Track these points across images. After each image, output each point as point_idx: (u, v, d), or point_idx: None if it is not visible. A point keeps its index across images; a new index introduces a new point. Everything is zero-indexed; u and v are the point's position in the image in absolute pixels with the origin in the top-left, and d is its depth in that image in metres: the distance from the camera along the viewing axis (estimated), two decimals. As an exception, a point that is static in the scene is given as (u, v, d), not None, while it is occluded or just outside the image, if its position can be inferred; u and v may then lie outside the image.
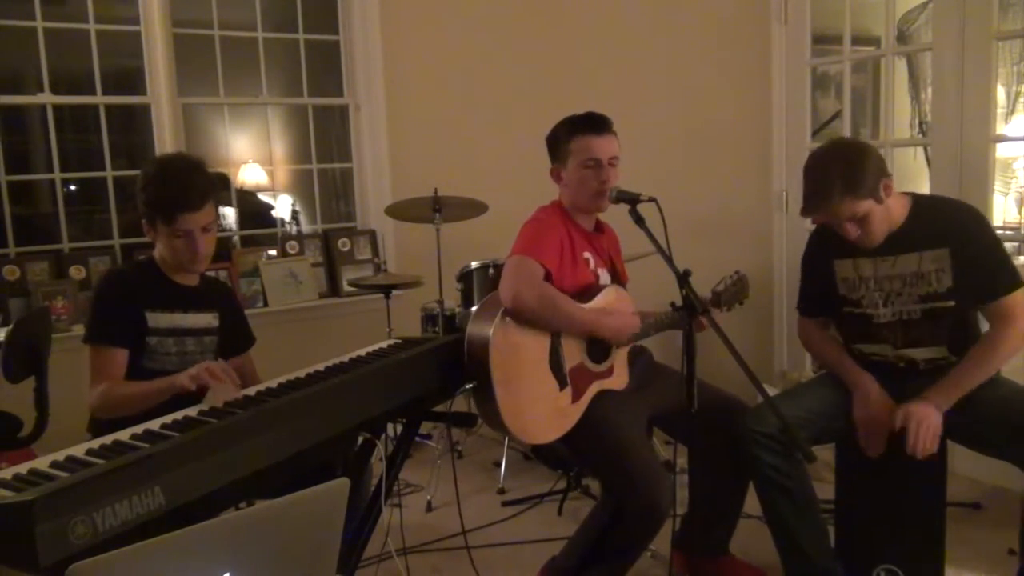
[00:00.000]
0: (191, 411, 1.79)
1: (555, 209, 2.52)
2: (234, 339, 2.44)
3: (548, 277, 2.33)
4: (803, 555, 2.35)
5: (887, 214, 2.25)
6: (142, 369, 2.19)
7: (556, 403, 2.30)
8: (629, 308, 2.51)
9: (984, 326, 2.33)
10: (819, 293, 2.50)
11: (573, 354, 2.35)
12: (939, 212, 2.31)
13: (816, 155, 2.28)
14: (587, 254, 2.49)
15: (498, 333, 2.20)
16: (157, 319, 2.21)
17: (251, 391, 1.92)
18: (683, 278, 2.12)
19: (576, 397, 2.34)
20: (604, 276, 2.53)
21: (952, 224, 2.27)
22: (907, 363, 2.36)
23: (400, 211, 3.65)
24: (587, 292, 2.42)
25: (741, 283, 2.67)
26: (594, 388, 2.39)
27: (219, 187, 2.25)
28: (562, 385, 2.31)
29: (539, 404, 2.28)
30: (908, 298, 2.32)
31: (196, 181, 2.15)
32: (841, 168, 2.17)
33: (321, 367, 2.09)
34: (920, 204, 2.32)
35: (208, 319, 2.33)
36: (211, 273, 3.85)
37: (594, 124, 2.46)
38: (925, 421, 2.18)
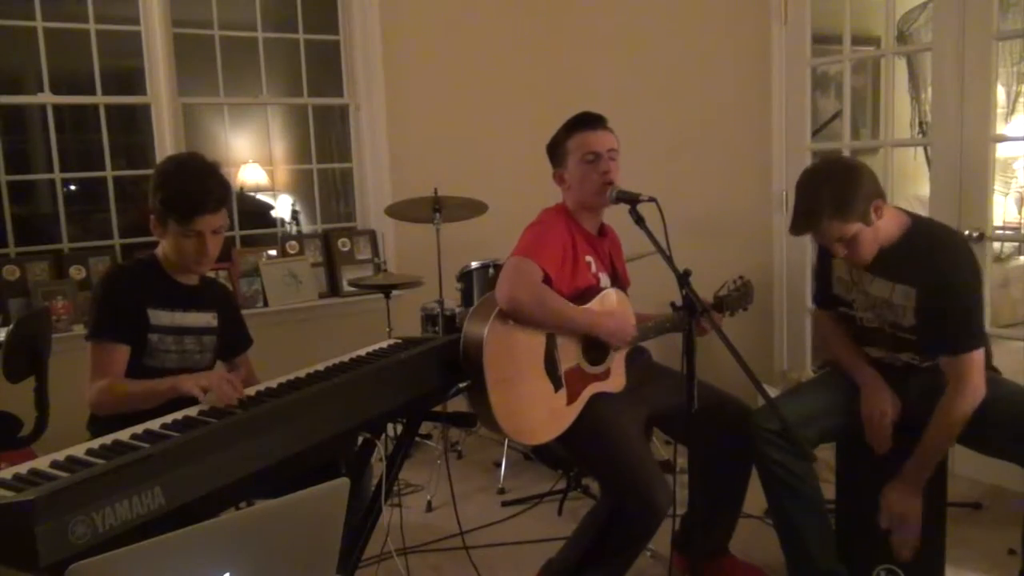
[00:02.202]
0: (191, 411, 1.79)
1: (559, 211, 2.52)
2: (232, 340, 2.45)
3: (547, 280, 2.33)
4: (808, 554, 2.36)
5: (876, 235, 2.21)
6: (142, 366, 2.19)
7: (551, 404, 2.30)
8: (629, 312, 2.51)
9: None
10: (827, 287, 2.51)
11: (569, 356, 2.35)
12: (925, 247, 2.23)
13: (808, 174, 2.28)
14: (589, 257, 2.49)
15: (492, 333, 2.21)
16: (159, 316, 2.22)
17: (251, 391, 1.92)
18: (683, 278, 2.12)
19: (571, 399, 2.34)
20: (604, 279, 2.53)
21: (931, 267, 2.20)
22: (904, 363, 2.37)
23: (400, 211, 3.65)
24: (586, 295, 2.42)
25: (746, 288, 2.66)
26: (590, 390, 2.38)
27: (231, 191, 2.26)
28: (557, 386, 2.31)
29: (534, 405, 2.28)
30: (877, 318, 2.33)
31: (214, 185, 2.17)
32: (831, 190, 2.16)
33: (321, 367, 2.09)
34: (914, 231, 2.25)
35: (207, 318, 2.33)
36: (211, 274, 3.87)
37: (588, 120, 2.48)
38: (907, 523, 2.24)
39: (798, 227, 2.25)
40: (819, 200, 2.16)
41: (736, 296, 2.63)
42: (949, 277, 2.20)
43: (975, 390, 2.18)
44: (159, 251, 2.27)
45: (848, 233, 2.17)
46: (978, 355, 2.18)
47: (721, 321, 2.49)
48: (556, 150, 2.52)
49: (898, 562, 2.33)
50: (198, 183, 2.15)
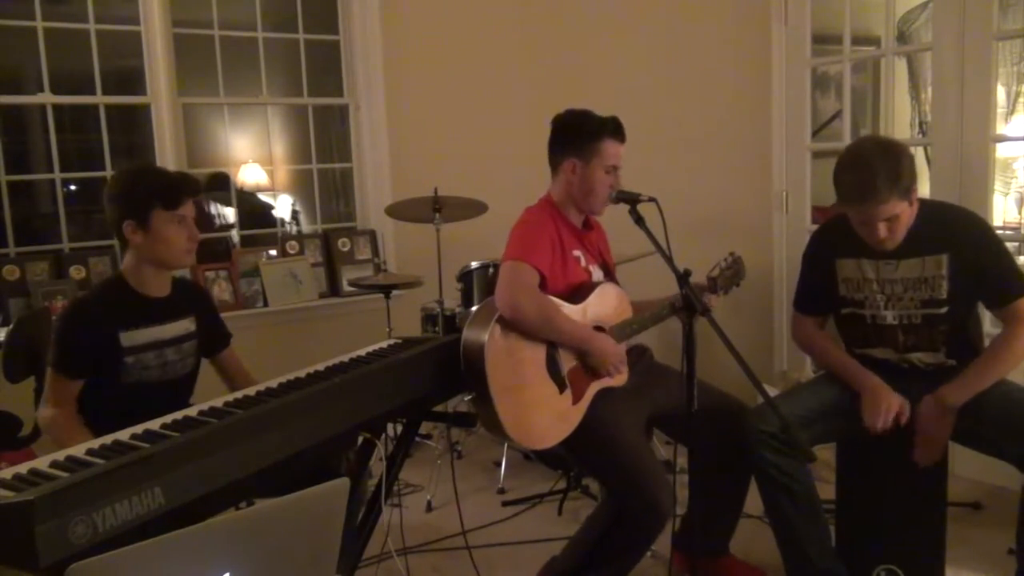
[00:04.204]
0: (191, 411, 1.79)
1: (543, 207, 2.50)
2: (212, 339, 2.42)
3: (543, 280, 2.33)
4: (805, 556, 2.36)
5: (909, 218, 2.24)
6: (118, 385, 2.16)
7: (557, 407, 2.30)
8: (625, 305, 2.51)
9: (987, 329, 2.34)
10: (818, 291, 2.49)
11: (571, 355, 2.34)
12: (942, 218, 2.30)
13: (857, 149, 2.24)
14: (577, 252, 2.48)
15: (493, 340, 2.18)
16: (134, 337, 2.18)
17: (251, 391, 1.92)
18: (683, 278, 2.12)
19: (577, 398, 2.33)
20: (597, 273, 2.52)
21: (952, 231, 2.27)
22: (910, 365, 2.36)
23: (400, 211, 3.65)
24: (581, 290, 2.41)
25: (736, 264, 2.66)
26: (594, 387, 2.38)
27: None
28: (561, 388, 2.31)
29: (540, 409, 2.27)
30: (910, 302, 2.32)
31: (186, 175, 2.29)
32: (888, 164, 2.13)
33: (321, 367, 2.09)
34: (926, 209, 2.31)
35: (185, 325, 2.31)
36: (210, 274, 3.88)
37: (620, 131, 2.47)
38: (934, 435, 2.23)
39: (855, 198, 2.18)
40: (877, 173, 2.12)
41: (729, 274, 2.63)
42: (976, 232, 2.28)
43: None
44: (125, 268, 2.23)
45: (898, 211, 2.17)
46: None
47: (716, 302, 2.52)
48: (581, 141, 2.45)
49: (900, 560, 2.34)
50: (171, 173, 2.27)
